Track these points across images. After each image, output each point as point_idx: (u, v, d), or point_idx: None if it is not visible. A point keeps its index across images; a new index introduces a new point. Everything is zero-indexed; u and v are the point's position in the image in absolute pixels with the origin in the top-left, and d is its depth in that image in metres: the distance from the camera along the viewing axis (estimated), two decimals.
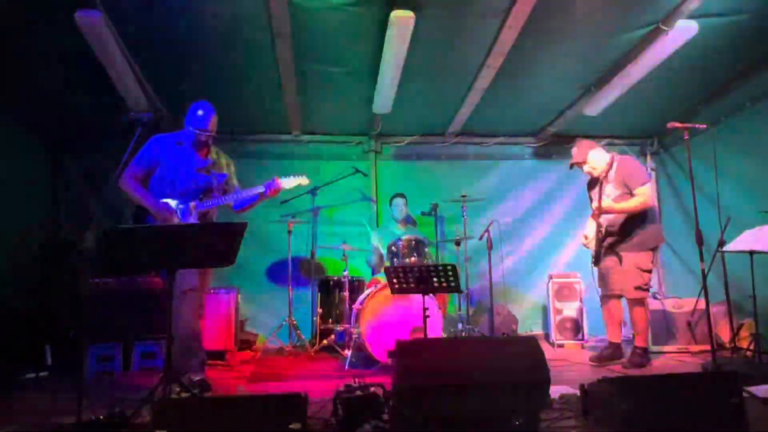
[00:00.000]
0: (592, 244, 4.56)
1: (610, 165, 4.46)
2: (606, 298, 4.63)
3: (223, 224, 2.74)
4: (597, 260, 4.57)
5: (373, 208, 6.35)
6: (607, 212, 4.35)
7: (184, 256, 2.70)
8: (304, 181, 4.00)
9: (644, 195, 4.29)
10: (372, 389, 2.82)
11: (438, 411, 2.48)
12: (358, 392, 2.79)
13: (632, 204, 4.30)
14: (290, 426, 2.30)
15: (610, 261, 4.49)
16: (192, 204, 3.61)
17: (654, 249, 4.44)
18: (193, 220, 3.59)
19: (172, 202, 3.56)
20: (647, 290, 4.39)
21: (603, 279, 4.59)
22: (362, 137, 6.37)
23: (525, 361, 2.57)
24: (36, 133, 5.47)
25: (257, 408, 2.35)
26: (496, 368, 2.55)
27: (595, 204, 4.45)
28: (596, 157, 4.51)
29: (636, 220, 4.36)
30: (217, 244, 2.71)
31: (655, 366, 4.48)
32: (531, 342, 2.66)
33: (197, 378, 3.54)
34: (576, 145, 4.62)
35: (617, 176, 4.41)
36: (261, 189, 3.75)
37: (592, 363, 4.58)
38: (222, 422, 2.29)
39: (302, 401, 2.36)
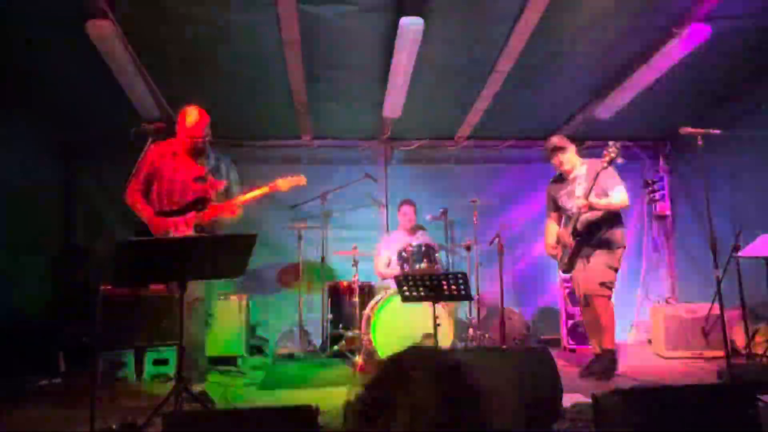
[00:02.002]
0: (562, 250, 4.42)
1: (576, 163, 4.37)
2: (585, 307, 4.45)
3: (234, 236, 2.73)
4: (570, 267, 4.41)
5: (382, 213, 6.35)
6: (594, 208, 4.18)
7: (195, 268, 2.71)
8: (301, 181, 3.78)
9: (622, 193, 4.20)
10: None
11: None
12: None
13: (615, 201, 4.20)
14: None
15: (580, 265, 4.36)
16: (187, 217, 3.47)
17: (621, 247, 4.29)
18: (189, 233, 3.45)
19: (169, 221, 3.45)
20: (611, 288, 4.24)
21: (578, 286, 4.43)
22: (372, 141, 6.37)
23: (538, 372, 2.55)
24: (49, 141, 5.53)
25: (268, 420, 2.35)
26: (508, 380, 2.53)
27: (572, 204, 4.27)
28: (572, 152, 4.42)
29: (606, 222, 4.26)
30: (227, 256, 2.71)
31: (669, 372, 4.44)
32: (543, 353, 2.64)
33: (198, 389, 3.41)
34: (556, 136, 4.56)
35: (589, 177, 4.19)
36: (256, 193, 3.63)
37: (580, 378, 4.27)
38: None
39: (313, 414, 2.36)
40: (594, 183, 4.12)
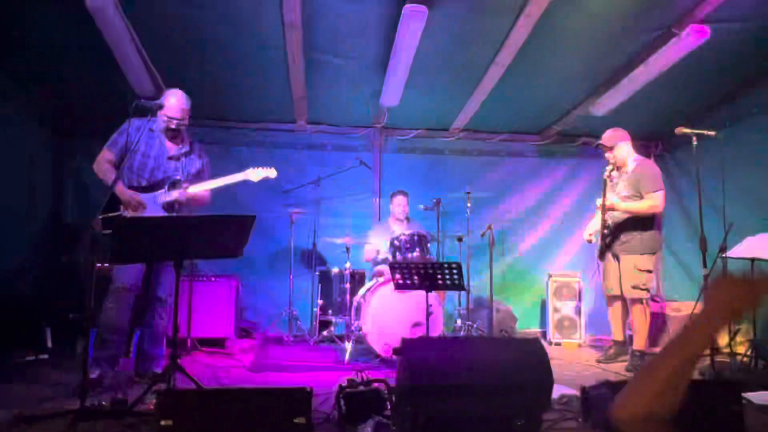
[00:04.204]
0: (596, 240, 4.61)
1: (627, 161, 4.50)
2: (610, 298, 4.68)
3: (233, 217, 2.73)
4: (602, 255, 4.62)
5: (375, 201, 6.35)
6: (614, 209, 4.38)
7: (192, 248, 2.70)
8: (271, 173, 3.86)
9: (654, 200, 4.31)
10: (375, 385, 2.84)
11: (441, 410, 2.49)
12: (361, 387, 2.81)
13: (639, 206, 4.33)
14: (295, 420, 2.32)
15: (610, 261, 4.55)
16: (158, 193, 3.54)
17: (653, 253, 4.46)
18: (159, 211, 3.52)
19: (141, 194, 3.51)
20: (645, 290, 4.39)
21: (605, 278, 4.65)
22: (367, 129, 6.35)
23: (529, 362, 2.59)
24: (41, 116, 5.44)
25: (263, 401, 2.37)
26: (500, 369, 2.57)
27: (599, 200, 4.47)
28: (623, 149, 4.53)
29: (638, 224, 4.38)
30: (226, 236, 2.71)
31: None
32: (535, 343, 2.68)
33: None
34: (612, 130, 4.62)
35: (632, 177, 4.42)
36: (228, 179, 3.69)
37: (599, 363, 4.61)
38: (227, 414, 2.31)
39: (307, 395, 2.38)
40: (612, 186, 4.46)
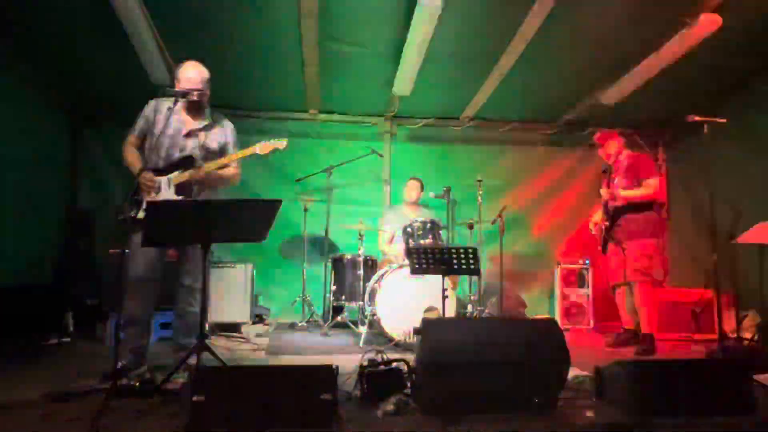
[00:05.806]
0: (599, 232, 4.76)
1: (619, 155, 4.71)
2: (614, 287, 4.78)
3: (260, 201, 2.80)
4: (604, 248, 4.74)
5: (386, 189, 6.42)
6: (614, 198, 4.56)
7: (219, 231, 2.77)
8: (281, 144, 3.50)
9: (650, 186, 4.48)
10: (395, 364, 2.92)
11: (460, 387, 2.57)
12: (382, 367, 2.89)
13: (637, 193, 4.49)
14: (321, 396, 2.40)
15: (614, 250, 4.66)
16: (171, 176, 3.34)
17: (655, 237, 4.60)
18: (170, 193, 3.32)
19: (155, 176, 3.33)
20: (647, 274, 4.49)
21: (610, 268, 4.76)
22: (378, 118, 6.40)
23: (547, 342, 2.66)
24: (56, 102, 5.51)
25: (291, 378, 2.45)
26: (518, 347, 2.64)
27: (602, 190, 4.70)
28: (613, 145, 4.73)
29: (635, 209, 4.53)
30: (252, 220, 2.78)
31: (660, 353, 4.59)
32: (552, 324, 2.75)
33: (138, 373, 3.25)
34: (600, 130, 4.92)
35: (628, 169, 4.59)
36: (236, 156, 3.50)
37: (608, 348, 4.70)
38: (257, 390, 2.39)
39: (333, 373, 2.46)
40: (611, 179, 4.66)
